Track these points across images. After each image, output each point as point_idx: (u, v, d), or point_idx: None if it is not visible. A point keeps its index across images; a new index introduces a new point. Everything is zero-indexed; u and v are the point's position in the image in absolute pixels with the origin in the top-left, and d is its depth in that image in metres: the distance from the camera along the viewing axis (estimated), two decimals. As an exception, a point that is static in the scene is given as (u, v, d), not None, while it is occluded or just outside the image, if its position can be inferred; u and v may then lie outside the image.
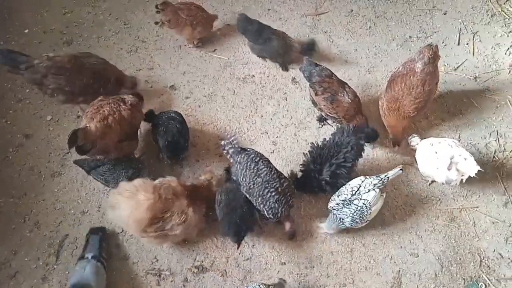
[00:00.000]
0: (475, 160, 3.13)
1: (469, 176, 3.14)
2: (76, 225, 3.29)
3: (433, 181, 3.47)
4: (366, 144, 3.34)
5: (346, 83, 3.59)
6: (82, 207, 3.36)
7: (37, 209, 3.36)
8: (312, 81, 3.57)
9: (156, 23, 4.45)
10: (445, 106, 3.94)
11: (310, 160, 3.25)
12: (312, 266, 3.13)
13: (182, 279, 3.05)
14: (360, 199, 2.97)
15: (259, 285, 2.72)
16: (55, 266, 3.11)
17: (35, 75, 3.23)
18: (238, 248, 3.00)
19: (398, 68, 3.55)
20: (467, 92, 4.02)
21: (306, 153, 3.31)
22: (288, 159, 3.62)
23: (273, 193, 2.93)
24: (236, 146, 3.08)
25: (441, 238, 3.28)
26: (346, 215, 2.99)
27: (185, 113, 3.84)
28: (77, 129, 2.89)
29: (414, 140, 3.47)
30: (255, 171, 2.96)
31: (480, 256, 3.21)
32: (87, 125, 2.99)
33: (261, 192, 2.93)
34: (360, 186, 3.02)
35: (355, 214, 2.97)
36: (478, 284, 3.09)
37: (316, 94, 3.54)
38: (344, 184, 3.14)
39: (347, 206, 2.99)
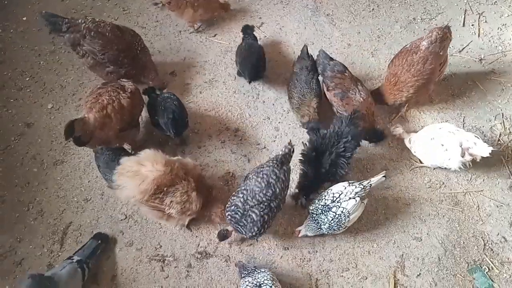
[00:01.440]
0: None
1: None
2: (80, 213, 3.30)
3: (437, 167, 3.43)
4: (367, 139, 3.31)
5: (360, 81, 3.46)
6: (85, 195, 3.37)
7: (40, 197, 3.38)
8: (324, 76, 3.48)
9: (155, 4, 4.39)
10: (449, 88, 3.88)
11: (310, 148, 3.17)
12: (315, 251, 3.14)
13: (186, 265, 3.06)
14: (339, 207, 2.88)
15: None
16: (60, 253, 3.13)
17: (75, 34, 3.32)
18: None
19: (406, 44, 3.49)
20: (472, 75, 3.95)
21: (305, 143, 3.23)
22: (290, 144, 3.59)
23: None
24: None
25: (444, 222, 3.27)
26: (324, 221, 2.92)
27: (186, 99, 3.82)
28: (73, 119, 2.83)
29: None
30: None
31: (483, 240, 3.20)
32: (86, 115, 2.95)
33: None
34: (341, 193, 2.91)
35: (332, 221, 2.89)
36: (482, 268, 3.09)
37: (327, 89, 3.45)
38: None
39: (325, 213, 2.90)
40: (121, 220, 3.25)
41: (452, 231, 3.23)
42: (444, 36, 3.28)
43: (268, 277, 2.69)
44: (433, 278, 3.05)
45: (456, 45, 4.14)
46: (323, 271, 3.06)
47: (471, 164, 3.23)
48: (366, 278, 3.05)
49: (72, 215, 3.29)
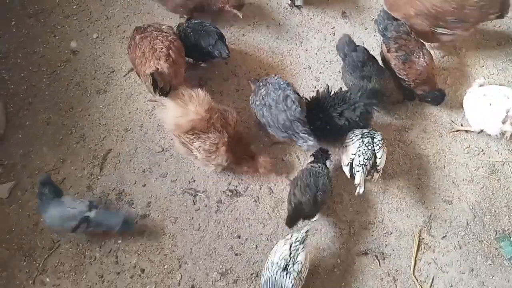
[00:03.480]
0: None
1: None
2: (120, 141, 3.42)
3: (481, 131, 3.33)
4: (375, 111, 3.16)
5: (424, 45, 3.28)
6: (126, 125, 3.48)
7: (82, 123, 3.51)
8: (386, 36, 3.24)
9: None
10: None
11: (315, 98, 3.18)
12: (341, 201, 3.18)
13: (217, 200, 3.18)
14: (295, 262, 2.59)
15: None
16: (99, 177, 3.30)
17: None
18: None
19: None
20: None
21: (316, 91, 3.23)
22: (330, 96, 3.55)
23: None
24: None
25: (478, 189, 3.23)
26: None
27: (228, 41, 3.76)
28: (152, 72, 2.82)
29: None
30: None
31: (516, 211, 3.16)
32: (157, 67, 2.88)
33: None
34: (288, 257, 2.59)
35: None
36: (510, 237, 3.06)
37: (388, 51, 3.25)
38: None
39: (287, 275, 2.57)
40: (158, 152, 3.36)
41: (485, 198, 3.19)
42: None
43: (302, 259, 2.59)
44: (458, 241, 3.07)
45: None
46: (348, 221, 3.12)
47: (508, 136, 3.15)
48: (391, 233, 3.09)
49: (112, 143, 3.43)
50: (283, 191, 3.21)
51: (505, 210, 3.16)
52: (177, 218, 3.12)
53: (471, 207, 3.17)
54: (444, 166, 3.29)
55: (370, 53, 3.33)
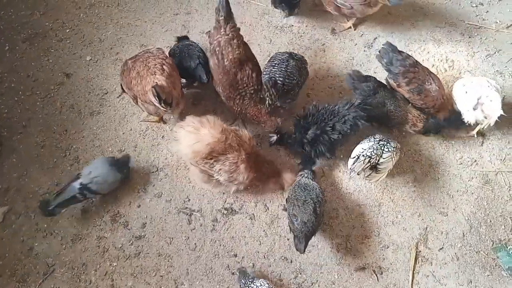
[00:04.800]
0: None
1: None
2: (114, 162, 3.42)
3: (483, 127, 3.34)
4: (362, 124, 3.15)
5: (427, 68, 3.31)
6: (120, 146, 3.49)
7: (77, 145, 3.51)
8: (393, 72, 3.22)
9: None
10: (492, 66, 3.74)
11: (302, 116, 3.21)
12: (337, 216, 3.18)
13: (212, 219, 3.17)
14: None
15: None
16: (94, 199, 3.27)
17: None
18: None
19: None
20: (518, 52, 3.79)
21: (304, 107, 3.26)
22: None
23: None
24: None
25: (473, 199, 3.24)
26: None
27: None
28: (153, 86, 2.89)
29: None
30: None
31: (511, 220, 3.16)
32: (155, 81, 2.96)
33: None
34: None
35: None
36: (507, 247, 3.06)
37: (398, 86, 3.27)
38: (324, 154, 3.15)
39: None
40: (152, 172, 3.37)
41: (480, 208, 3.20)
42: None
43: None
44: (455, 253, 3.06)
45: (504, 20, 3.95)
46: (344, 236, 3.11)
47: (485, 127, 3.26)
48: (388, 247, 3.08)
49: (106, 164, 3.42)
50: (279, 207, 3.21)
51: (500, 219, 3.17)
52: (172, 238, 3.10)
53: (467, 218, 3.17)
54: (438, 178, 3.31)
55: (378, 80, 3.39)
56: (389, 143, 3.06)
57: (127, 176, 3.25)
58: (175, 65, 3.24)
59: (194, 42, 3.62)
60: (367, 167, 2.98)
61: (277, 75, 3.25)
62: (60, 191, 3.05)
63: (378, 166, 3.00)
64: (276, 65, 3.32)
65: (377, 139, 3.07)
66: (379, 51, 3.32)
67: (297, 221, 2.81)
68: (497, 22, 3.95)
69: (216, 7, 3.04)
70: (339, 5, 3.62)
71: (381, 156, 2.98)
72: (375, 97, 3.24)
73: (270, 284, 2.71)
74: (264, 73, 3.31)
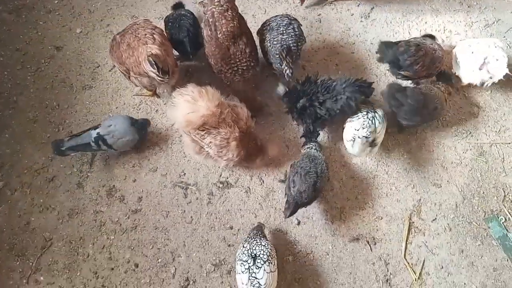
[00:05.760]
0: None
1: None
2: (108, 137, 3.40)
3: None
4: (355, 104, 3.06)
5: (424, 37, 3.35)
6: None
7: (69, 120, 3.48)
8: (405, 66, 3.18)
9: None
10: (491, 36, 3.68)
11: (302, 82, 3.17)
12: (333, 189, 3.20)
13: (208, 193, 3.19)
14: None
15: (242, 245, 2.70)
16: (89, 174, 3.28)
17: None
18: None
19: None
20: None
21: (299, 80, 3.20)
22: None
23: None
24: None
25: (466, 171, 3.26)
26: None
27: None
28: (148, 56, 2.87)
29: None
30: None
31: (504, 191, 3.20)
32: (149, 51, 2.92)
33: None
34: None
35: None
36: (498, 218, 3.11)
37: (416, 74, 3.24)
38: (309, 124, 3.13)
39: None
40: (148, 146, 3.35)
41: (473, 180, 3.23)
42: None
43: (266, 251, 2.64)
44: (448, 224, 3.11)
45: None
46: (339, 208, 3.14)
47: (489, 85, 3.32)
48: (381, 218, 3.12)
49: (100, 139, 3.40)
50: (274, 180, 3.22)
51: (493, 191, 3.21)
52: (168, 212, 3.12)
53: (460, 190, 3.20)
54: (433, 150, 3.32)
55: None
56: (377, 113, 3.03)
57: (144, 139, 3.26)
58: (164, 33, 3.20)
59: (189, 12, 3.51)
60: (366, 147, 2.99)
61: (290, 42, 3.14)
62: (75, 134, 3.11)
63: (375, 141, 3.00)
64: (284, 31, 3.19)
65: (364, 113, 3.01)
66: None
67: (294, 188, 2.81)
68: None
69: None
70: None
71: (375, 131, 2.97)
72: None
73: (273, 249, 2.72)
74: (275, 42, 3.18)
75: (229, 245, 3.02)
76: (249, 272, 2.56)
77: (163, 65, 2.93)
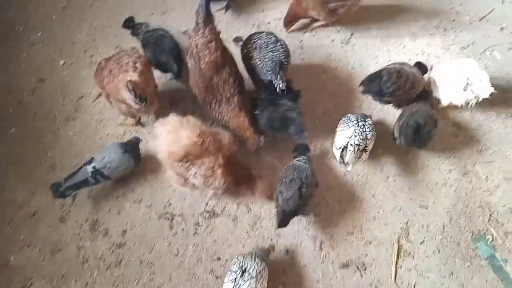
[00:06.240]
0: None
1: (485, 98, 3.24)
2: (91, 169, 3.35)
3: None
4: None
5: (403, 64, 3.40)
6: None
7: (52, 152, 3.43)
8: (388, 94, 3.26)
9: None
10: (466, 56, 3.78)
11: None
12: (319, 214, 3.18)
13: (194, 223, 3.14)
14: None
15: (237, 257, 2.72)
16: (72, 208, 3.21)
17: None
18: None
19: None
20: (491, 44, 3.83)
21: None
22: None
23: None
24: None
25: (452, 191, 3.28)
26: None
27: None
28: (126, 81, 2.88)
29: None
30: None
31: (490, 210, 3.21)
32: (129, 78, 2.94)
33: None
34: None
35: None
36: (486, 237, 3.12)
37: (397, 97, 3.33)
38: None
39: None
40: (132, 177, 3.30)
41: (459, 200, 3.24)
42: None
43: (257, 268, 2.62)
44: (436, 246, 3.10)
45: (477, 12, 4.00)
46: (327, 233, 3.12)
47: (473, 105, 3.33)
48: (370, 243, 3.10)
49: (84, 171, 3.35)
50: (261, 208, 3.19)
51: (479, 210, 3.22)
52: (154, 244, 3.06)
53: (447, 211, 3.21)
54: (417, 172, 3.34)
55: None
56: (366, 121, 3.15)
57: (139, 158, 3.23)
58: (149, 63, 3.23)
59: (163, 30, 3.58)
60: (358, 155, 3.05)
61: (281, 57, 3.23)
62: (72, 173, 3.07)
63: (366, 148, 3.08)
64: (274, 48, 3.28)
65: (354, 121, 3.13)
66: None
67: (281, 197, 2.84)
68: (470, 15, 4.00)
69: (196, 9, 3.00)
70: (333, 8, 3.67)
71: (367, 138, 3.06)
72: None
73: (265, 270, 2.67)
74: (266, 59, 3.24)
75: (217, 277, 2.95)
76: (235, 283, 2.53)
77: (141, 92, 2.94)
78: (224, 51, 3.12)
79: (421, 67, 3.44)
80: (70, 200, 3.23)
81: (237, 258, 2.71)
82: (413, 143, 3.14)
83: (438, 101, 3.49)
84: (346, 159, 3.07)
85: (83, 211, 3.18)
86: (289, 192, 2.80)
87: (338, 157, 3.15)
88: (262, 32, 3.40)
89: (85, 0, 4.18)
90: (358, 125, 3.10)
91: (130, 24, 3.63)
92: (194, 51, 3.03)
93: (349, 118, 3.18)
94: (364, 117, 3.20)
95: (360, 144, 3.03)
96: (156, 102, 3.22)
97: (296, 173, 2.90)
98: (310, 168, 3.00)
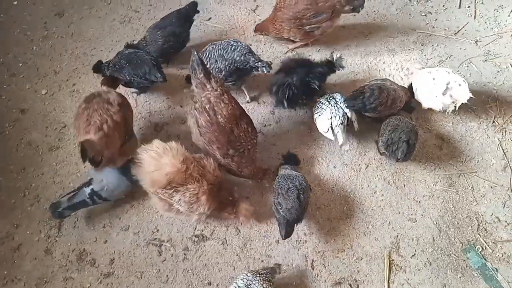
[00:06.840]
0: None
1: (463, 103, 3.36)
2: (76, 198, 3.29)
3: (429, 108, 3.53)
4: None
5: (385, 80, 3.47)
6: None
7: (36, 183, 3.37)
8: (372, 109, 3.30)
9: None
10: (445, 71, 3.87)
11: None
12: (311, 233, 3.17)
13: (183, 248, 3.09)
14: None
15: (246, 274, 2.72)
16: (57, 239, 3.15)
17: None
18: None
19: None
20: (467, 57, 3.94)
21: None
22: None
23: None
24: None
25: (439, 203, 3.30)
26: None
27: (180, 88, 3.80)
28: (83, 141, 2.73)
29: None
30: None
31: (478, 220, 3.24)
32: (88, 138, 2.79)
33: None
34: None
35: None
36: (475, 247, 3.13)
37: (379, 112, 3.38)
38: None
39: None
40: (118, 204, 3.25)
41: (447, 212, 3.27)
42: None
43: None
44: (427, 258, 3.10)
45: (451, 27, 4.12)
46: (319, 252, 3.10)
47: (452, 110, 3.44)
48: (361, 259, 3.09)
49: (68, 201, 3.29)
50: (250, 229, 3.16)
51: (467, 221, 3.24)
52: (143, 272, 3.00)
53: (435, 222, 3.23)
54: (404, 185, 3.36)
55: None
56: (335, 97, 3.34)
57: (138, 185, 3.04)
58: (123, 121, 2.98)
59: (133, 46, 3.63)
60: (347, 130, 3.29)
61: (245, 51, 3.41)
62: (70, 194, 3.07)
63: (351, 119, 3.29)
64: (247, 53, 3.41)
65: (326, 103, 3.30)
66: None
67: (282, 209, 2.84)
68: (445, 29, 4.12)
69: (190, 65, 2.95)
70: (308, 30, 3.78)
71: (346, 113, 3.26)
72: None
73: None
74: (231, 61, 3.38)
75: (208, 303, 2.90)
76: None
77: (94, 155, 2.73)
78: (235, 100, 3.02)
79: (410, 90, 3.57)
80: (55, 231, 3.16)
81: (246, 274, 2.72)
82: (404, 159, 3.20)
83: (419, 103, 3.55)
84: (340, 141, 3.24)
85: (69, 242, 3.11)
86: (289, 202, 2.83)
87: (331, 137, 3.29)
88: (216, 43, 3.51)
89: (66, 30, 4.18)
90: (331, 104, 3.28)
91: (100, 67, 3.56)
92: (207, 106, 2.88)
93: (320, 102, 3.35)
94: (331, 95, 3.37)
95: (343, 121, 3.22)
96: (119, 160, 3.04)
97: (289, 182, 2.94)
98: (300, 174, 3.07)
